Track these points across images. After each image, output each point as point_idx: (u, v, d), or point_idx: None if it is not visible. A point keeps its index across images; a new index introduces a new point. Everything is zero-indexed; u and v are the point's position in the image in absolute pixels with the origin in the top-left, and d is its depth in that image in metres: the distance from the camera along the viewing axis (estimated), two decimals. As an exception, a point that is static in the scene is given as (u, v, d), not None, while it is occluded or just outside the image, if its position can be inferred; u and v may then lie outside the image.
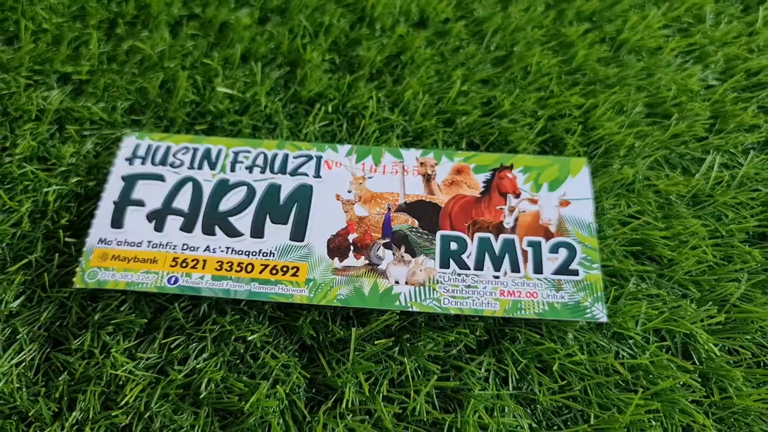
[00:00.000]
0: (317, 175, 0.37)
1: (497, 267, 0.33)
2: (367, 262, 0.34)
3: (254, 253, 0.34)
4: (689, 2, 0.48)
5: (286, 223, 0.35)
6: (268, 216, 0.35)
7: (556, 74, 0.44)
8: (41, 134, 0.40)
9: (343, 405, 0.30)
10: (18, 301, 0.34)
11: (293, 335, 0.33)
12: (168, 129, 0.40)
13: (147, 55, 0.44)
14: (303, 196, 0.36)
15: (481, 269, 0.33)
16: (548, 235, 0.35)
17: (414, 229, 0.35)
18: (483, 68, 0.44)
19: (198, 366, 0.31)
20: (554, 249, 0.34)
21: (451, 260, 0.34)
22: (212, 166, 0.37)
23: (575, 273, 0.33)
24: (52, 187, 0.37)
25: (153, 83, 0.42)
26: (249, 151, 0.38)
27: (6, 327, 0.33)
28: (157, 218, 0.35)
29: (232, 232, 0.34)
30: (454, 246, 0.34)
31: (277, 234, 0.34)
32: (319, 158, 0.38)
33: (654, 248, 0.36)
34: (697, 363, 0.32)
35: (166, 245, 0.34)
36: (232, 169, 0.37)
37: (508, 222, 0.35)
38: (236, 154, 0.38)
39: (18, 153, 0.39)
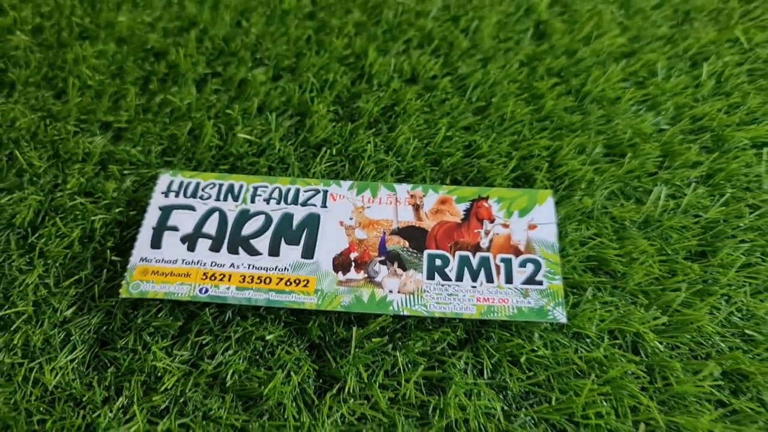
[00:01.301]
0: (324, 206, 0.45)
1: (474, 278, 0.41)
2: (366, 275, 0.42)
3: (271, 269, 0.42)
4: (644, 59, 0.58)
5: (298, 244, 0.43)
6: (282, 239, 0.43)
7: (528, 121, 0.53)
8: (88, 173, 0.49)
9: (346, 391, 0.38)
10: (71, 310, 0.41)
11: (304, 336, 0.40)
12: (196, 168, 0.49)
13: (176, 107, 0.54)
14: (312, 222, 0.44)
15: (461, 281, 0.41)
16: (518, 252, 0.43)
17: (405, 249, 0.43)
18: (465, 117, 0.53)
19: (224, 360, 0.39)
20: (523, 264, 0.42)
21: (436, 273, 0.42)
22: (235, 199, 0.46)
23: (540, 283, 0.41)
24: (98, 216, 0.46)
25: (182, 130, 0.52)
26: (266, 186, 0.46)
27: (61, 331, 0.40)
28: (190, 241, 0.43)
29: (253, 252, 0.42)
30: (438, 262, 0.42)
31: (290, 253, 0.42)
32: (325, 192, 0.46)
33: (609, 264, 0.44)
34: (644, 357, 0.40)
35: (197, 262, 0.42)
36: (252, 201, 0.45)
37: (484, 243, 0.43)
38: (255, 188, 0.46)
39: (68, 188, 0.48)
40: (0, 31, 0.60)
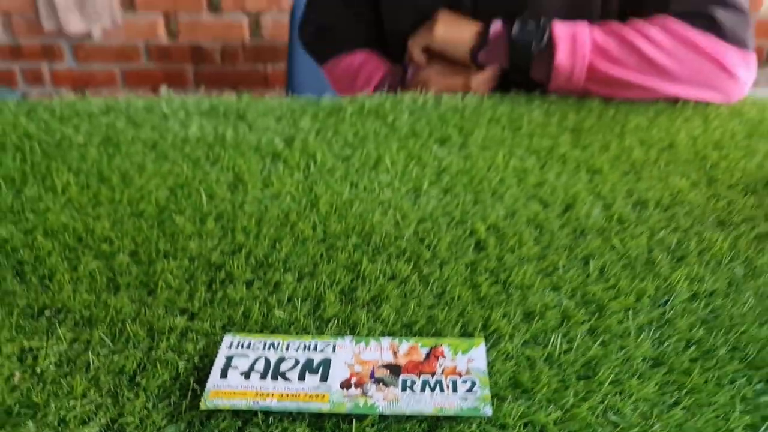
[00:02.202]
0: (333, 352, 0.71)
1: (432, 391, 0.65)
2: (362, 391, 0.65)
3: (300, 389, 0.66)
4: (550, 260, 0.88)
5: (317, 374, 0.68)
6: (306, 371, 0.68)
7: (470, 301, 0.81)
8: (173, 339, 0.75)
9: (349, 462, 0.59)
10: (164, 420, 0.64)
11: (322, 430, 0.63)
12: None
13: (232, 298, 0.82)
14: (326, 363, 0.69)
15: (424, 392, 0.65)
16: (460, 375, 0.67)
17: (387, 376, 0.68)
18: (428, 299, 0.81)
19: (269, 445, 0.61)
20: (464, 381, 0.66)
21: (407, 388, 0.66)
22: (275, 349, 0.71)
23: (475, 392, 0.65)
24: (182, 363, 0.71)
25: (237, 313, 0.79)
26: (295, 342, 0.72)
27: (159, 433, 0.63)
28: (246, 374, 0.68)
29: (287, 380, 0.67)
30: (408, 382, 0.66)
31: (312, 380, 0.67)
32: (334, 344, 0.72)
33: (523, 384, 0.68)
34: (546, 437, 0.62)
35: (251, 387, 0.66)
36: (286, 350, 0.71)
37: (438, 371, 0.68)
38: (288, 343, 0.72)
39: (160, 348, 0.73)
40: (110, 254, 0.91)
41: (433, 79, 1.54)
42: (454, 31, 1.49)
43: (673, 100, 1.45)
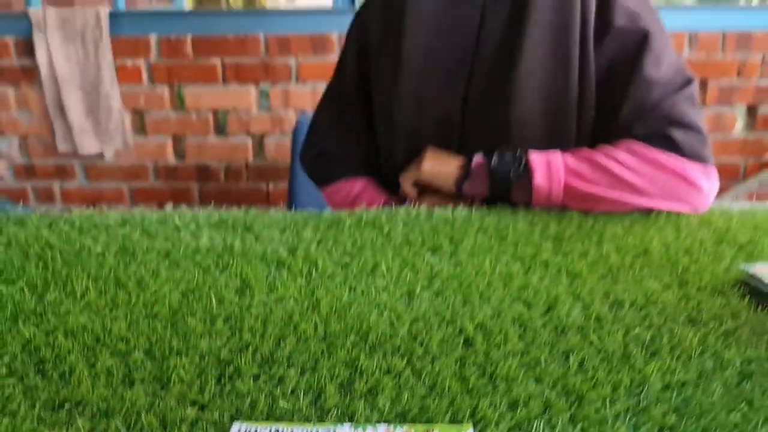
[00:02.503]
0: (333, 437, 0.77)
1: (425, 470, 0.71)
2: (359, 472, 0.71)
3: (302, 470, 0.72)
4: (534, 354, 0.96)
5: (318, 457, 0.74)
6: (308, 454, 0.74)
7: (460, 392, 0.88)
8: (184, 428, 0.81)
9: None
10: (177, 502, 0.70)
11: (321, 508, 0.68)
12: (254, 422, 0.82)
13: (240, 391, 0.88)
14: (326, 447, 0.76)
15: (417, 471, 0.71)
16: (451, 456, 0.73)
17: (383, 458, 0.74)
18: (420, 389, 0.88)
19: None
20: (454, 462, 0.72)
21: (401, 469, 0.72)
22: (279, 435, 0.77)
23: (464, 472, 0.71)
24: (193, 450, 0.77)
25: (244, 404, 0.86)
26: (298, 428, 0.78)
27: None
28: (252, 457, 0.74)
29: (291, 462, 0.73)
30: (403, 463, 0.72)
31: (313, 462, 0.73)
32: (334, 431, 0.78)
33: (509, 465, 0.74)
34: None
35: (257, 469, 0.72)
36: (290, 435, 0.77)
37: (431, 453, 0.74)
38: (292, 429, 0.78)
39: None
40: (126, 351, 0.99)
41: None
42: (440, 165, 1.67)
43: (647, 211, 1.58)
